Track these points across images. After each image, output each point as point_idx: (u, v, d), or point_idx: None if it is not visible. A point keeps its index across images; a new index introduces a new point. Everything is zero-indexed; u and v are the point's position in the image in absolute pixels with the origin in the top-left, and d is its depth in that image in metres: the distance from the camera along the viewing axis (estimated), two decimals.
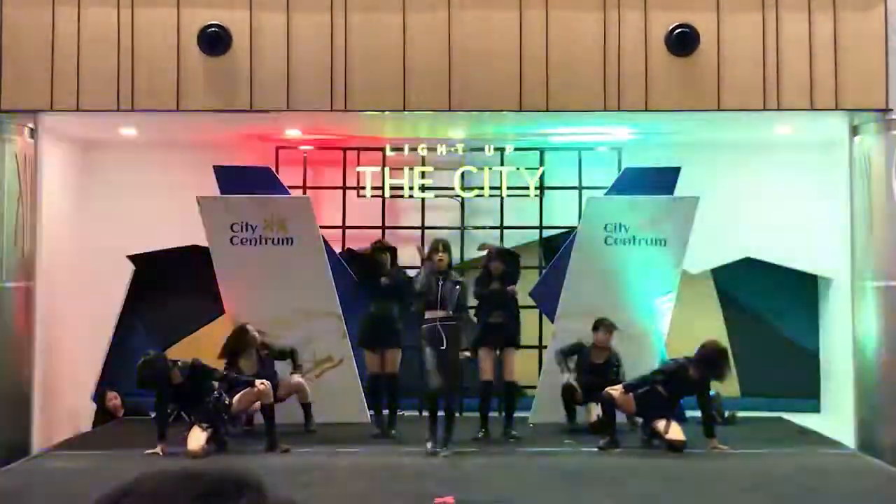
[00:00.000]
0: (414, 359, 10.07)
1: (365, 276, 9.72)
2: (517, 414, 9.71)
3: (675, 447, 8.75)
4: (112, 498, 1.24)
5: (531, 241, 11.28)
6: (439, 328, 8.53)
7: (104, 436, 9.93)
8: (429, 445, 8.52)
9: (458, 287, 8.67)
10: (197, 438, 8.52)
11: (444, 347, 8.50)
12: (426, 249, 9.05)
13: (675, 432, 8.84)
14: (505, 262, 9.57)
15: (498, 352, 9.49)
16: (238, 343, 9.31)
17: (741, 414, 10.68)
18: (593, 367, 9.65)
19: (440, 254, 8.67)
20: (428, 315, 8.62)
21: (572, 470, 8.27)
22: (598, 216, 10.45)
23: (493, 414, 9.68)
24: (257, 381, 8.76)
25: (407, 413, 10.53)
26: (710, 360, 8.90)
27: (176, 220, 10.69)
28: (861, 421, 9.54)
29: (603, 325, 9.65)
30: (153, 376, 8.48)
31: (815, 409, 11.16)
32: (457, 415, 8.81)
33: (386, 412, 9.61)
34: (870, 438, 9.34)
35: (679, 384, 8.92)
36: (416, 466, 8.27)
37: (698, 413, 10.42)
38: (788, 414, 10.86)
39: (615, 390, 8.94)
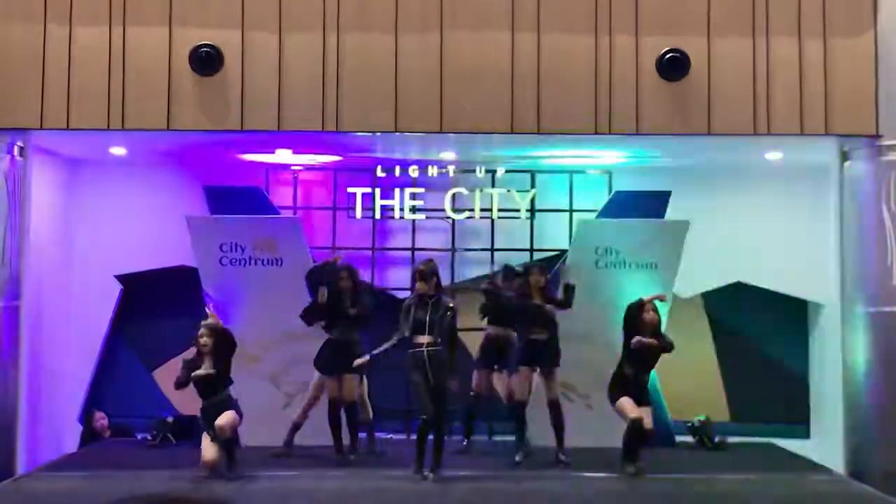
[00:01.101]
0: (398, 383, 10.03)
1: (327, 306, 9.44)
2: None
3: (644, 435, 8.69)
4: None
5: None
6: (425, 354, 8.47)
7: (90, 456, 9.83)
8: (416, 472, 8.46)
9: (448, 314, 8.58)
10: (211, 449, 8.43)
11: (428, 375, 8.44)
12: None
13: (647, 420, 8.78)
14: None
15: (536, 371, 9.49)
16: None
17: (731, 440, 10.64)
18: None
19: (418, 283, 8.55)
20: (415, 341, 8.54)
21: (565, 496, 8.22)
22: (588, 239, 10.46)
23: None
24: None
25: (395, 436, 10.49)
26: (631, 322, 8.87)
27: (165, 240, 10.66)
28: (851, 447, 9.50)
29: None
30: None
31: (806, 434, 11.13)
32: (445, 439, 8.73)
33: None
34: (860, 464, 9.30)
35: (637, 357, 8.82)
36: (404, 491, 8.21)
37: (689, 438, 10.45)
38: (778, 440, 10.83)
39: (643, 413, 8.85)
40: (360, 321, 9.41)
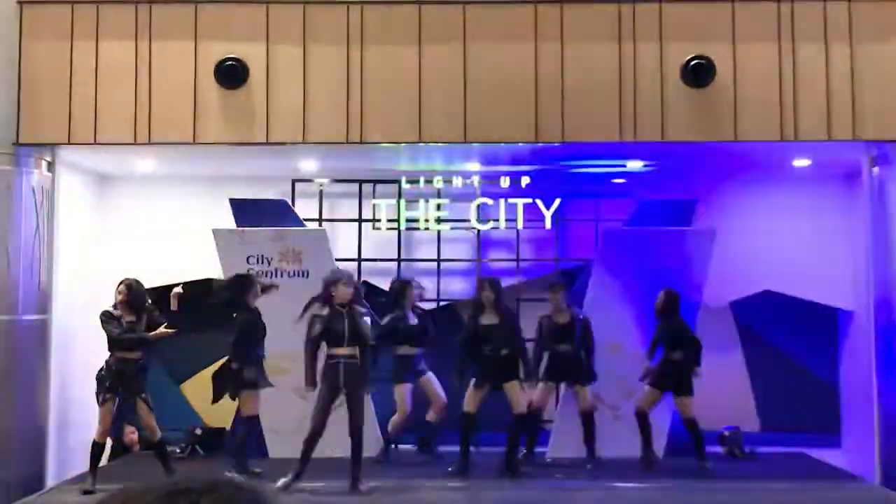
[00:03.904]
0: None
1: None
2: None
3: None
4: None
5: (548, 273, 11.23)
6: (340, 366, 8.44)
7: (119, 470, 9.87)
8: (280, 482, 8.33)
9: (364, 321, 8.59)
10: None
11: (340, 386, 8.44)
12: (323, 282, 8.79)
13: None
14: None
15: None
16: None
17: (761, 449, 10.55)
18: (557, 327, 9.77)
19: (341, 288, 8.55)
20: (330, 352, 8.53)
21: None
22: (614, 248, 10.40)
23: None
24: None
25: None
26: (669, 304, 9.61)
27: (192, 253, 10.70)
28: (882, 456, 9.39)
29: (552, 288, 9.93)
30: None
31: (836, 444, 11.01)
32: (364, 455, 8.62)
33: None
34: (892, 473, 9.19)
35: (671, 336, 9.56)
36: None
37: (719, 448, 10.37)
38: (809, 449, 10.72)
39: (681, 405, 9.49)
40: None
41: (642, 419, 9.52)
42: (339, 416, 9.99)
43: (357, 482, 8.41)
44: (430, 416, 10.02)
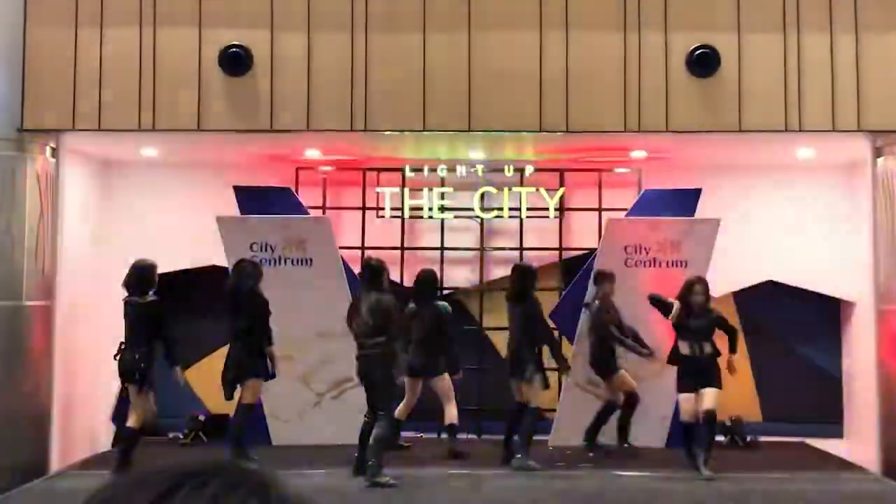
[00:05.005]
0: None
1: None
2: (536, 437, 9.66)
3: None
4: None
5: (551, 262, 11.23)
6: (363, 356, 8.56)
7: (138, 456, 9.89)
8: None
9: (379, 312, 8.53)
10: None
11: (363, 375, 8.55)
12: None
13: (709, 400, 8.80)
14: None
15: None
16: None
17: (763, 439, 10.56)
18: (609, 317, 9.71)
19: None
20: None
21: (594, 493, 8.20)
22: (618, 238, 10.41)
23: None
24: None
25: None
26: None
27: (195, 241, 10.71)
28: (885, 446, 9.41)
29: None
30: None
31: (839, 434, 11.02)
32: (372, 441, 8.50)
33: None
34: (894, 463, 9.20)
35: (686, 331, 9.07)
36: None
37: (721, 437, 10.38)
38: (811, 439, 10.74)
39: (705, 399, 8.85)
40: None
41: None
42: (341, 402, 10.04)
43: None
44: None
